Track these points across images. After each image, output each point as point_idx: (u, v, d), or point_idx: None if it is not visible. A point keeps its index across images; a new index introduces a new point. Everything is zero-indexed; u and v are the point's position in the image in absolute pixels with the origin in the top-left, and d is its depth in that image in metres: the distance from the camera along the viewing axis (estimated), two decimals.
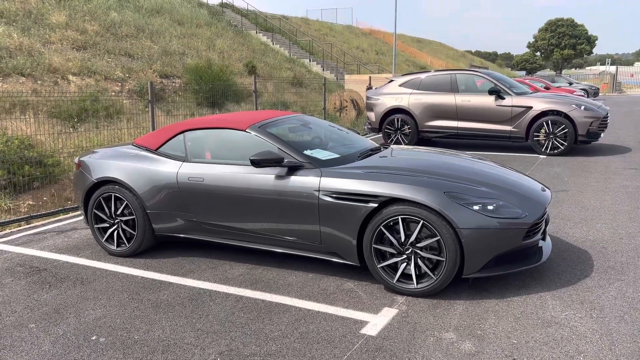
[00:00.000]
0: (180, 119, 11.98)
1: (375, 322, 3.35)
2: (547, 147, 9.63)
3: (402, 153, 4.71)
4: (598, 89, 30.74)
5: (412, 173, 3.86)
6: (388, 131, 11.18)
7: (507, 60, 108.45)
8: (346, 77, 23.50)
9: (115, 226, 4.74)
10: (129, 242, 4.70)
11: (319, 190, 3.91)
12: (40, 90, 13.21)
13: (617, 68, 42.60)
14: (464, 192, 3.65)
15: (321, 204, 3.90)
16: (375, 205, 3.69)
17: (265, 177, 4.13)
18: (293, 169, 4.08)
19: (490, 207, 3.59)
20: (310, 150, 4.32)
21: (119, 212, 4.71)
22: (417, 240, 3.63)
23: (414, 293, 3.69)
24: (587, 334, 3.12)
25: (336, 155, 4.33)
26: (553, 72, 66.43)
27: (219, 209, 4.33)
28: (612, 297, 3.61)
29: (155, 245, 4.88)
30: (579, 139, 9.41)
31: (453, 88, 10.46)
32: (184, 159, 4.56)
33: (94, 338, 3.28)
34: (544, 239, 3.99)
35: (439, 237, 3.53)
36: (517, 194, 3.88)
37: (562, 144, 9.50)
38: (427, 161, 4.41)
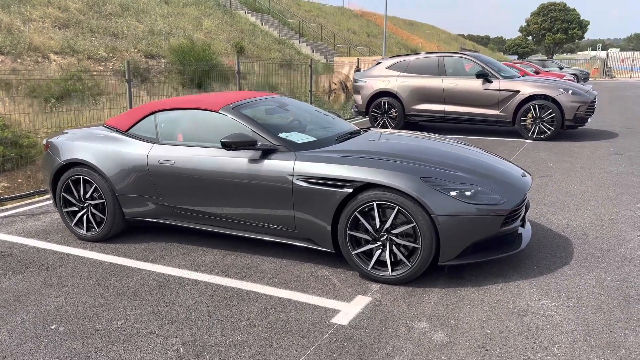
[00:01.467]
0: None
1: (347, 311, 3.24)
2: (533, 132, 9.54)
3: (381, 137, 4.58)
4: (588, 73, 30.70)
5: (389, 157, 3.73)
6: (375, 114, 11.03)
7: (499, 45, 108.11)
8: (335, 59, 23.23)
9: (85, 210, 4.58)
10: (98, 227, 4.54)
11: (292, 175, 3.77)
12: (20, 69, 12.87)
13: (607, 53, 42.54)
14: (441, 178, 3.53)
15: (295, 189, 3.76)
16: (350, 190, 3.56)
17: (238, 161, 3.98)
18: (267, 152, 3.93)
19: (467, 193, 3.47)
20: (287, 133, 4.17)
21: (88, 195, 4.55)
22: (393, 226, 3.52)
23: (389, 280, 3.58)
24: (562, 323, 3.04)
25: (312, 139, 4.19)
26: (544, 57, 66.28)
27: (190, 193, 4.18)
28: (590, 285, 3.53)
29: (126, 230, 4.73)
30: (565, 124, 9.31)
31: (441, 71, 10.30)
32: (154, 141, 4.39)
33: (53, 327, 3.14)
34: (523, 225, 3.89)
35: (414, 224, 3.42)
36: (496, 179, 3.76)
37: (548, 129, 9.41)
38: (405, 145, 4.28)
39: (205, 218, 4.23)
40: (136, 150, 4.37)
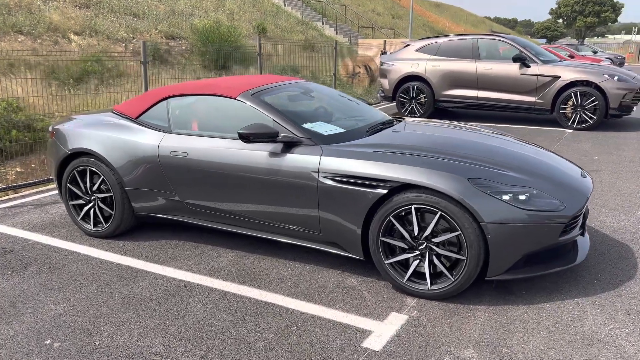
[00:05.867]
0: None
1: (380, 332, 2.81)
2: (573, 121, 8.89)
3: (418, 128, 4.09)
4: (624, 58, 29.34)
5: (430, 154, 3.24)
6: (402, 100, 10.47)
7: (527, 28, 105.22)
8: (360, 41, 22.53)
9: (92, 204, 4.21)
10: (106, 222, 4.18)
11: (318, 172, 3.32)
12: (40, 50, 12.62)
13: None
14: (492, 179, 3.04)
15: (321, 188, 3.32)
16: (385, 191, 3.11)
17: (258, 154, 3.54)
18: (290, 145, 3.49)
19: (522, 197, 2.98)
20: (312, 123, 3.72)
21: (95, 188, 4.18)
22: (433, 234, 3.06)
23: (427, 295, 3.13)
24: (638, 357, 2.56)
25: (341, 130, 3.72)
26: (575, 40, 64.12)
27: (204, 188, 3.77)
28: None
29: (137, 226, 4.36)
30: (609, 113, 8.65)
31: (474, 54, 9.67)
32: (166, 130, 3.98)
33: (47, 342, 2.79)
34: (582, 234, 3.40)
35: (459, 232, 2.95)
36: (553, 180, 3.26)
37: (590, 118, 8.76)
38: (447, 139, 3.77)
39: (220, 216, 3.82)
40: (146, 140, 3.97)
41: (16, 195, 5.60)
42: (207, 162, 3.71)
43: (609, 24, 71.30)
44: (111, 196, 4.10)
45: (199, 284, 3.42)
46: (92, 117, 4.41)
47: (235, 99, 3.79)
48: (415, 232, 3.08)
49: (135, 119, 4.14)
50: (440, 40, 10.26)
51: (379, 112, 4.52)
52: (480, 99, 9.61)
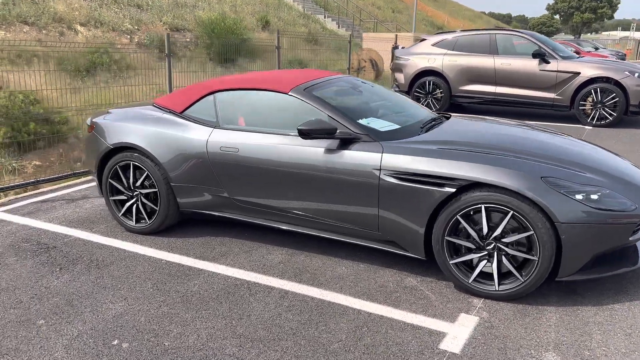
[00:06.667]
0: (196, 76, 11.19)
1: (455, 334, 2.76)
2: (593, 118, 8.88)
3: (472, 125, 4.03)
4: (624, 55, 29.41)
5: (496, 151, 3.19)
6: (418, 95, 10.41)
7: (522, 23, 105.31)
8: (364, 35, 22.41)
9: (134, 199, 4.13)
10: (149, 218, 4.09)
11: (380, 169, 3.26)
12: (46, 41, 12.41)
13: None
14: (564, 177, 2.99)
15: (382, 185, 3.25)
16: (453, 190, 3.05)
17: (313, 151, 3.47)
18: (347, 142, 3.42)
19: (594, 197, 2.94)
20: (366, 119, 3.65)
21: (138, 183, 4.09)
22: (503, 234, 3.01)
23: (494, 296, 3.09)
24: None
25: (396, 126, 3.66)
26: (571, 37, 64.26)
27: (255, 184, 3.70)
28: None
29: (177, 223, 4.28)
30: (630, 109, 8.64)
31: (492, 50, 9.62)
32: (214, 125, 3.90)
33: (115, 343, 2.71)
34: None
35: (532, 232, 2.90)
36: (622, 180, 3.21)
37: (610, 114, 8.74)
38: (508, 137, 3.68)
39: (270, 213, 3.75)
40: (194, 135, 3.88)
41: (45, 189, 5.49)
42: (259, 158, 3.64)
43: (605, 20, 71.50)
44: (155, 192, 4.02)
45: (256, 282, 3.35)
46: (132, 111, 4.31)
47: (287, 94, 3.72)
48: (484, 232, 3.03)
49: (180, 113, 4.05)
50: (458, 34, 10.19)
51: (423, 108, 4.45)
52: (498, 94, 9.57)
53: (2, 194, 5.31)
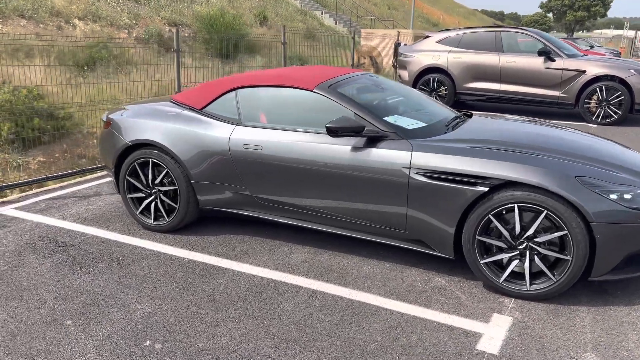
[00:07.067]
0: (198, 71, 11.08)
1: (491, 335, 2.74)
2: (598, 116, 8.90)
3: (498, 124, 4.00)
4: (619, 53, 29.57)
5: (528, 150, 3.17)
6: (422, 92, 10.37)
7: (514, 21, 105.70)
8: (363, 31, 22.34)
9: (153, 197, 4.07)
10: (168, 216, 4.04)
11: (409, 168, 3.22)
12: (43, 35, 12.25)
13: (636, 33, 41.12)
14: (598, 177, 2.98)
15: (412, 184, 3.22)
16: (486, 189, 3.02)
17: (340, 148, 3.44)
18: (374, 140, 3.38)
19: (627, 197, 2.93)
20: (392, 116, 3.62)
21: (157, 181, 4.03)
22: (535, 233, 2.99)
23: (525, 296, 3.07)
24: None
25: (422, 124, 3.63)
26: (564, 35, 64.52)
27: (279, 183, 3.65)
28: None
29: (195, 221, 4.22)
30: (635, 108, 8.67)
31: (497, 47, 9.61)
32: (236, 122, 3.84)
33: (147, 344, 2.67)
34: None
35: (565, 232, 2.88)
36: None
37: (615, 113, 8.77)
38: (538, 135, 3.65)
39: (293, 211, 3.71)
40: (216, 133, 3.83)
41: (54, 186, 5.41)
42: (284, 156, 3.59)
43: (599, 18, 71.93)
44: (175, 189, 3.96)
45: (283, 282, 3.32)
46: (150, 107, 4.25)
47: (312, 91, 3.67)
48: (517, 231, 3.01)
49: (201, 110, 3.99)
50: (463, 32, 10.18)
51: (444, 106, 4.42)
52: (503, 92, 9.57)
53: (7, 191, 5.22)
